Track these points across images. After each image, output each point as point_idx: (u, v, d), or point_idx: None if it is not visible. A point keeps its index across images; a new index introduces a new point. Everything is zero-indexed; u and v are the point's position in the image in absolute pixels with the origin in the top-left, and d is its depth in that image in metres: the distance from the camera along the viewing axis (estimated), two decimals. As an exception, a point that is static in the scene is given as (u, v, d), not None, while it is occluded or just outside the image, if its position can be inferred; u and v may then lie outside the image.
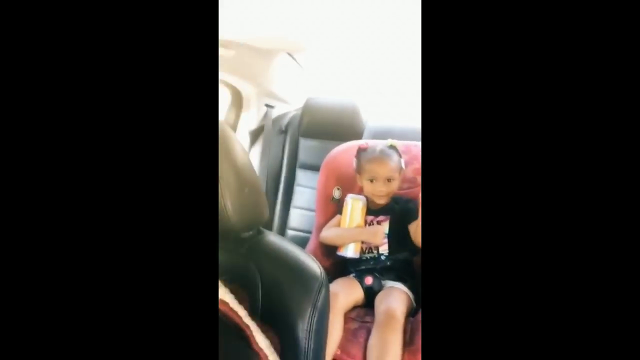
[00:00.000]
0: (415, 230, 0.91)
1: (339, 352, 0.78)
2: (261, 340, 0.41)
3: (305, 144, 1.41)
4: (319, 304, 0.48)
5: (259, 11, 0.84)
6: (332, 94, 1.48)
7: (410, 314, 0.86)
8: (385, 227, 0.96)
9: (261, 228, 0.55)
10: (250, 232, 0.53)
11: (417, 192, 1.02)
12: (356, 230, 0.96)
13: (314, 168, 1.33)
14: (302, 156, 1.41)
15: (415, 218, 0.91)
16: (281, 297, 0.48)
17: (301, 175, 1.40)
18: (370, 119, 1.35)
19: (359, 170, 1.00)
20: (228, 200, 0.47)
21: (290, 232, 1.36)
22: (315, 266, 0.51)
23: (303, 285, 0.48)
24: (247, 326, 0.41)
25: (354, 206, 0.97)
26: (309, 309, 0.47)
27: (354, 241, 0.95)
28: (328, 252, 1.04)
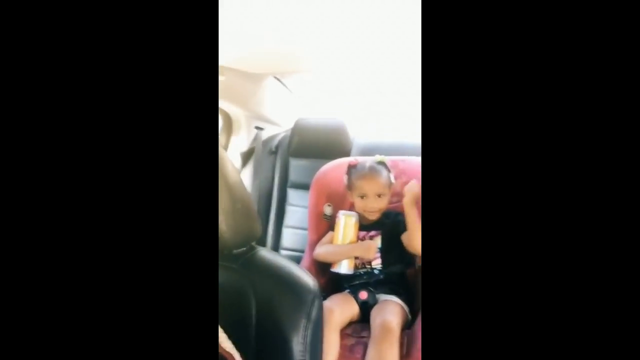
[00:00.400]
0: (408, 239, 0.93)
1: (336, 369, 0.78)
2: (225, 342, 0.42)
3: (295, 164, 1.44)
4: (313, 315, 0.49)
5: (247, 37, 0.88)
6: (320, 114, 1.53)
7: (406, 326, 0.87)
8: (377, 241, 0.98)
9: (254, 244, 0.56)
10: (244, 249, 0.54)
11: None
12: (349, 247, 0.97)
13: (305, 187, 1.35)
14: (293, 176, 1.43)
15: (406, 230, 0.93)
16: (275, 311, 0.48)
17: (292, 195, 1.41)
18: (358, 137, 1.39)
19: (350, 186, 1.02)
20: (221, 217, 0.48)
21: (283, 252, 1.36)
22: (308, 278, 0.52)
23: (296, 298, 0.49)
24: None
25: (347, 222, 0.98)
26: (303, 321, 0.48)
27: (347, 257, 0.96)
28: (322, 269, 1.04)
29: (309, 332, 0.48)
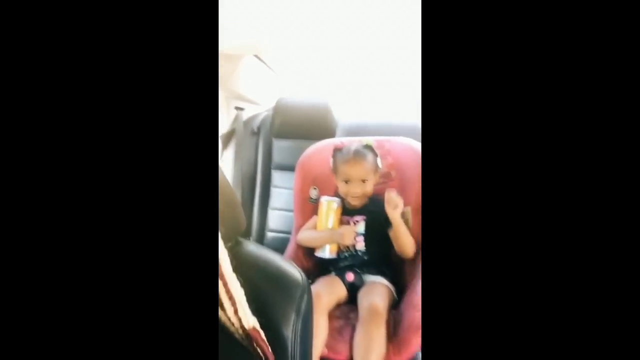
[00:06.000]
0: (398, 245, 0.93)
1: (325, 351, 0.79)
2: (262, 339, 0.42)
3: (278, 145, 1.40)
4: (302, 309, 0.48)
5: (224, 18, 0.82)
6: (302, 93, 1.48)
7: (392, 306, 0.89)
8: (360, 226, 0.97)
9: (239, 238, 0.55)
10: (229, 244, 0.53)
11: (392, 187, 1.04)
12: (327, 233, 0.96)
13: (289, 168, 1.32)
14: (277, 157, 1.40)
15: (391, 223, 0.92)
16: (264, 306, 0.48)
17: (277, 177, 1.39)
18: (343, 117, 1.36)
19: (335, 170, 1.00)
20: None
21: (269, 234, 1.35)
22: (295, 272, 0.51)
23: (285, 293, 0.49)
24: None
25: (329, 207, 0.98)
26: (293, 316, 0.48)
27: (326, 244, 0.96)
28: (309, 252, 1.04)
29: (299, 325, 0.48)
